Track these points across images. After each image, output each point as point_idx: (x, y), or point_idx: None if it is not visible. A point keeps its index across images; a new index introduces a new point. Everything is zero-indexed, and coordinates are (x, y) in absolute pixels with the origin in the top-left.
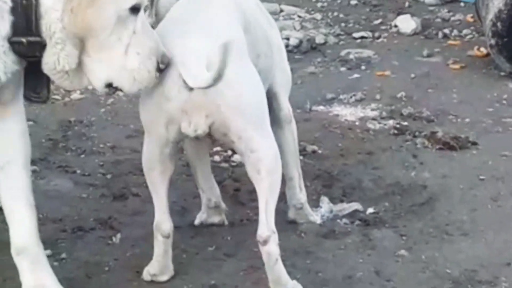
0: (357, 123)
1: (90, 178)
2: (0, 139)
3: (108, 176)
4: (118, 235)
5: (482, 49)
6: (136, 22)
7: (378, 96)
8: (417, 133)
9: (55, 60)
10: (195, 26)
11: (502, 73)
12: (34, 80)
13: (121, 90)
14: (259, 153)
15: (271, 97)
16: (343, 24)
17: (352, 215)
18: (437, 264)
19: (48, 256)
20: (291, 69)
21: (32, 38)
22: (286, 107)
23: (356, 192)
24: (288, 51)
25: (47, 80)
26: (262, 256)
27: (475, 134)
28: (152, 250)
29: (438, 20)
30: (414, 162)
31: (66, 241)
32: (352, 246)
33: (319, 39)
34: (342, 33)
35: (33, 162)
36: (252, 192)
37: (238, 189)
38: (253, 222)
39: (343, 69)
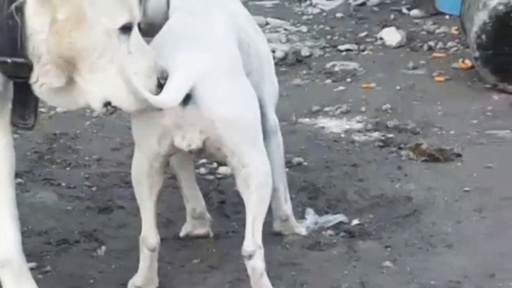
0: (342, 135)
1: (75, 191)
2: None
3: (93, 189)
4: (103, 248)
5: (467, 61)
6: (129, 41)
7: (363, 108)
8: (402, 145)
9: (44, 81)
10: (189, 41)
11: (487, 85)
12: (22, 107)
13: (120, 109)
14: (250, 168)
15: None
16: (328, 37)
17: (337, 226)
18: (422, 275)
19: (33, 269)
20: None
21: (17, 59)
22: (272, 119)
23: (341, 204)
24: (274, 64)
25: (35, 107)
26: (248, 270)
27: (459, 146)
28: (137, 262)
29: (423, 32)
30: (399, 174)
31: (50, 254)
32: (337, 258)
33: (305, 52)
34: (327, 45)
35: (18, 175)
36: (237, 204)
37: (223, 201)
38: (238, 234)
39: (328, 81)
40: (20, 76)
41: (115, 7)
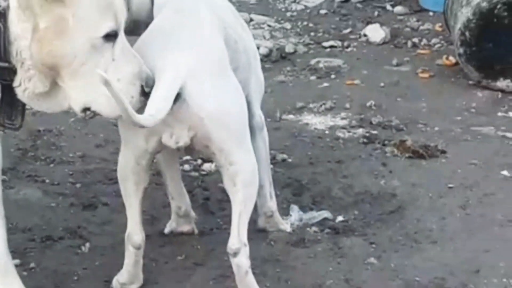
0: (326, 132)
1: (59, 188)
2: None
3: (78, 186)
4: (87, 245)
5: (451, 58)
6: (114, 49)
7: (347, 105)
8: (386, 142)
9: (27, 86)
10: (177, 39)
11: (471, 82)
12: (10, 107)
13: (99, 114)
14: (237, 166)
15: None
16: (312, 33)
17: (322, 223)
18: (406, 272)
19: (17, 266)
20: None
21: (1, 64)
22: (258, 114)
23: (326, 201)
24: None
25: (22, 108)
26: (233, 267)
27: (444, 143)
28: (121, 259)
29: (407, 29)
30: (383, 171)
31: (35, 251)
32: (322, 254)
33: (289, 48)
34: (311, 42)
35: (2, 172)
36: (222, 201)
37: (208, 198)
38: (223, 231)
39: (312, 78)
40: (5, 79)
41: (99, 16)
